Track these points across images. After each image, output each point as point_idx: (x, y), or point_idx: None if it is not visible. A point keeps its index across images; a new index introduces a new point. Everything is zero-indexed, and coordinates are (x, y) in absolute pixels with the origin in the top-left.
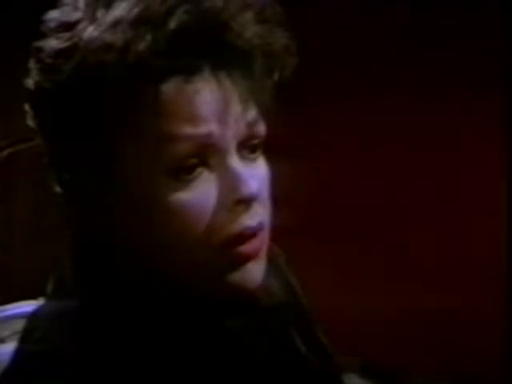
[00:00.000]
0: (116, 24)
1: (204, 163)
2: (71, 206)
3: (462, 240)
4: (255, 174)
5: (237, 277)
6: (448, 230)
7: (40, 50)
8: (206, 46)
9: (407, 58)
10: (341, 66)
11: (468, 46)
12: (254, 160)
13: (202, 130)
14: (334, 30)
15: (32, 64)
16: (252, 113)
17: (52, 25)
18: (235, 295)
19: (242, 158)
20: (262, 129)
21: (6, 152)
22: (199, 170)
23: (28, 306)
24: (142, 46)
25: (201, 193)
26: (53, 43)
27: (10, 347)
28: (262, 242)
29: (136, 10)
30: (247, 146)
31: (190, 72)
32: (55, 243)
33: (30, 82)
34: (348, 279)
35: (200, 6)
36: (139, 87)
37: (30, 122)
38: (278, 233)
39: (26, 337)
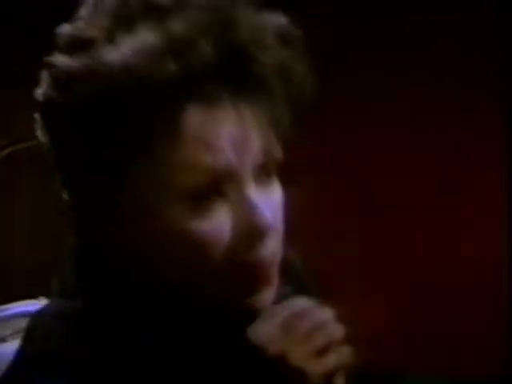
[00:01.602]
0: (139, 50)
1: (219, 192)
2: (77, 212)
3: (463, 240)
4: (270, 201)
5: (248, 301)
6: (450, 231)
7: (53, 65)
8: (227, 76)
9: (417, 65)
10: (339, 73)
11: (464, 47)
12: (268, 184)
13: (220, 160)
14: (335, 38)
15: (44, 77)
16: (270, 139)
17: (65, 39)
18: (244, 313)
19: (257, 182)
20: (278, 153)
21: (5, 151)
22: (214, 199)
23: (28, 305)
24: (163, 74)
25: (215, 222)
26: (67, 61)
27: (11, 346)
28: (274, 270)
29: (159, 39)
30: (263, 171)
31: (210, 101)
32: (55, 243)
33: (40, 94)
34: (348, 280)
35: (223, 38)
36: (158, 114)
37: (39, 132)
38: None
39: (28, 336)
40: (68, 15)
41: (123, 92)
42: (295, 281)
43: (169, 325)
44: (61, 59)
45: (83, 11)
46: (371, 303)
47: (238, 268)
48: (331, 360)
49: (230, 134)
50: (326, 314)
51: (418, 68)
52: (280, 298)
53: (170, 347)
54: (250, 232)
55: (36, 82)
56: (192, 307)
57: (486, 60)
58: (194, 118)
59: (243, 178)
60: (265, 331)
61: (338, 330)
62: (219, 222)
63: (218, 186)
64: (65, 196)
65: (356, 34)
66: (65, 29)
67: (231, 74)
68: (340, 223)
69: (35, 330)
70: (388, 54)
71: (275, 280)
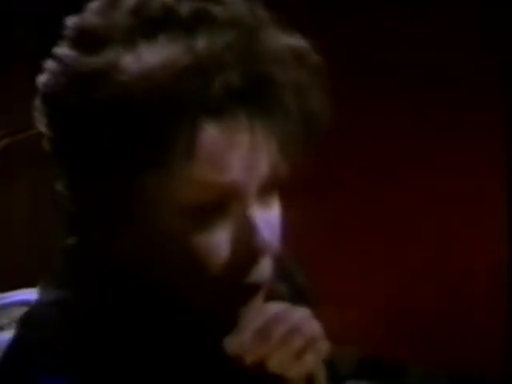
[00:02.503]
0: (161, 64)
1: (223, 209)
2: (76, 209)
3: (464, 238)
4: (270, 218)
5: (236, 314)
6: (450, 231)
7: (61, 59)
8: (246, 96)
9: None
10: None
11: (465, 46)
12: (270, 200)
13: (228, 178)
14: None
15: (50, 68)
16: (278, 158)
17: (76, 34)
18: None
19: (260, 199)
20: (283, 171)
21: (3, 142)
22: (217, 216)
23: (26, 294)
24: (183, 91)
25: (215, 238)
26: (78, 58)
27: (8, 335)
28: (263, 292)
29: (183, 55)
30: (266, 188)
31: (226, 120)
32: (53, 233)
33: (44, 84)
34: (351, 273)
35: (247, 60)
36: (173, 129)
37: (39, 120)
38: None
39: (22, 324)
40: (66, 5)
41: (139, 102)
42: (292, 284)
43: (155, 323)
44: (71, 54)
45: (96, 4)
46: (372, 300)
47: (232, 288)
48: (309, 360)
49: (242, 153)
50: (300, 313)
51: (418, 67)
52: (275, 299)
53: (157, 344)
54: (248, 253)
55: (34, 73)
56: (179, 311)
57: (486, 59)
58: (208, 135)
59: (247, 197)
60: (240, 341)
61: (313, 328)
62: (219, 239)
63: (222, 202)
64: (61, 189)
65: (353, 33)
66: (75, 22)
67: (250, 94)
68: (340, 220)
69: (29, 318)
70: (387, 52)
71: (267, 289)
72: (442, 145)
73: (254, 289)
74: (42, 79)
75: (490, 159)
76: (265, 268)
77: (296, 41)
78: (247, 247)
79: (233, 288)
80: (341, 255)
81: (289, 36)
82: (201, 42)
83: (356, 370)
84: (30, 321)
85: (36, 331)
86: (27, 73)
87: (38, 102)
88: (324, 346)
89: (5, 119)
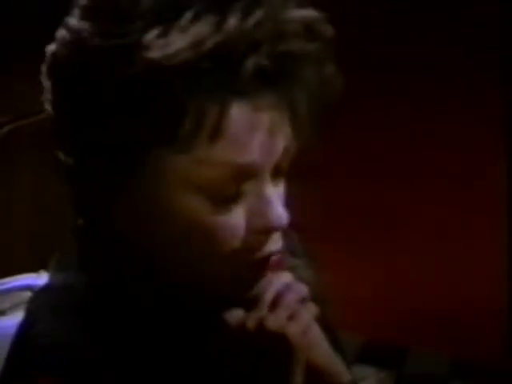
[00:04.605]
0: (191, 46)
1: (239, 188)
2: (84, 191)
3: (465, 230)
4: (279, 195)
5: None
6: (450, 223)
7: (76, 32)
8: (273, 78)
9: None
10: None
11: (465, 41)
12: (279, 179)
13: (248, 159)
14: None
15: (63, 39)
16: (291, 139)
17: (91, 5)
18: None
19: (273, 179)
20: (293, 151)
21: (5, 129)
22: (233, 194)
23: (27, 279)
24: (214, 74)
25: (232, 217)
26: (99, 34)
27: (9, 319)
28: (280, 257)
29: (217, 39)
30: (278, 168)
31: (251, 100)
32: (55, 220)
33: (58, 55)
34: (353, 262)
35: (279, 48)
36: (200, 110)
37: (47, 99)
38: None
39: (30, 312)
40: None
41: (165, 82)
42: (299, 256)
43: (165, 312)
44: (87, 27)
45: None
46: (374, 287)
47: (249, 263)
48: (305, 317)
49: (262, 135)
50: (287, 277)
51: (418, 63)
52: (290, 271)
53: (164, 332)
54: (265, 228)
55: (37, 59)
56: (193, 298)
57: (486, 54)
58: (234, 117)
59: (263, 176)
60: (238, 310)
61: (302, 288)
62: (235, 217)
63: (238, 182)
64: (67, 172)
65: (353, 27)
66: None
67: (276, 74)
68: (341, 215)
69: (37, 307)
70: (387, 47)
71: (282, 265)
72: (441, 140)
73: (266, 260)
74: (51, 48)
75: (489, 155)
76: (279, 239)
77: (309, 12)
78: (264, 223)
79: (246, 263)
80: (343, 245)
81: (301, 8)
82: (232, 20)
83: (359, 355)
84: (36, 307)
85: (42, 318)
86: (29, 60)
87: (45, 71)
88: (313, 306)
89: (7, 106)
